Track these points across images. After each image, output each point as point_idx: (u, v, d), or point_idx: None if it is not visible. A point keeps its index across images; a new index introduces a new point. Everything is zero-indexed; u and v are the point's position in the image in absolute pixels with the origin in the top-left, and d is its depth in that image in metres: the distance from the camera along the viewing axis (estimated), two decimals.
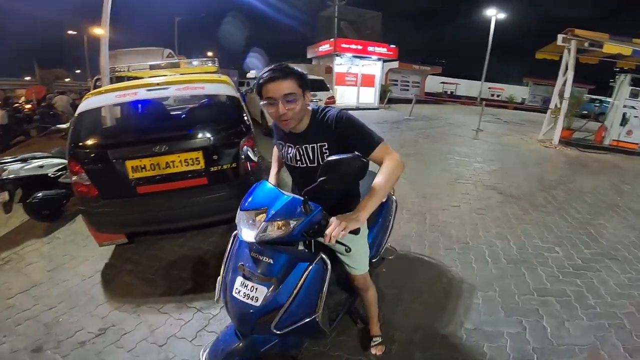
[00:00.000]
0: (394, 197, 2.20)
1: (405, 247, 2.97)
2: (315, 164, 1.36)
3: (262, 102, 1.26)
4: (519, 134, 9.42)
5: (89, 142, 2.53)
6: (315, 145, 1.35)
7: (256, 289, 1.23)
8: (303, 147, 1.38)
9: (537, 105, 18.62)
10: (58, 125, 6.38)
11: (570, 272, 2.63)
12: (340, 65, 13.99)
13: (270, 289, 1.22)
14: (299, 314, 1.27)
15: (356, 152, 1.18)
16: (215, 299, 1.36)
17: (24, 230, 3.49)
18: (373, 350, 1.83)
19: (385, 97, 15.10)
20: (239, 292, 1.25)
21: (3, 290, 2.48)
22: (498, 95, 24.02)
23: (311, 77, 9.03)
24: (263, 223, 1.18)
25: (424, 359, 1.84)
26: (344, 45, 13.46)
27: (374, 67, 14.78)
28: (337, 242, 1.18)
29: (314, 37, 15.60)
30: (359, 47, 13.84)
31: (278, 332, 1.23)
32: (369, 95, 14.82)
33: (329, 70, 13.55)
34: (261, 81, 1.23)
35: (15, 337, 2.05)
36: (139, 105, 3.38)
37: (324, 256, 1.30)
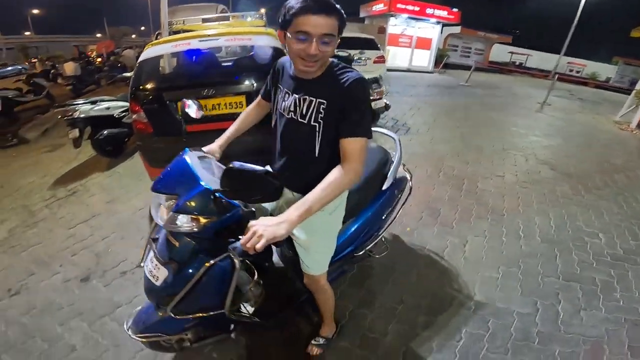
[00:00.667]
0: (409, 182, 2.02)
1: (435, 210, 2.93)
2: (306, 122, 1.16)
3: (288, 35, 1.03)
4: (593, 112, 8.34)
5: (148, 85, 2.78)
6: (314, 99, 1.14)
7: (159, 268, 1.19)
8: (302, 97, 1.16)
9: (624, 86, 16.35)
10: (124, 74, 6.96)
11: (606, 262, 2.42)
12: (395, 26, 13.18)
13: (170, 272, 1.17)
14: (202, 305, 1.24)
15: (269, 170, 1.04)
16: (140, 263, 1.32)
17: (90, 164, 3.99)
18: (309, 348, 1.70)
19: (442, 62, 14.07)
20: (147, 266, 1.24)
21: (67, 220, 2.83)
22: (578, 72, 21.74)
23: (362, 35, 8.65)
24: (171, 213, 1.09)
25: (426, 323, 1.85)
26: (399, 6, 12.56)
27: (431, 30, 13.72)
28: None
29: None
30: (416, 8, 12.82)
31: (177, 317, 1.22)
32: (423, 58, 13.92)
33: (382, 30, 12.82)
34: (298, 10, 0.99)
35: (69, 266, 2.27)
36: (192, 55, 3.59)
37: (232, 255, 1.17)
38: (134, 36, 37.22)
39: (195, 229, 1.09)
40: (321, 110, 1.13)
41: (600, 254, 2.49)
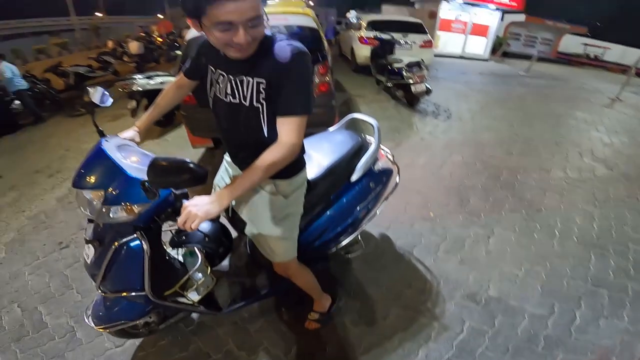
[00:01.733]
0: (395, 177, 1.86)
1: (464, 198, 2.83)
2: (247, 104, 1.06)
3: (205, 25, 0.89)
4: None
5: None
6: (252, 79, 1.03)
7: (89, 247, 1.22)
8: (239, 78, 1.05)
9: None
10: (176, 52, 7.48)
11: None
12: (449, 11, 12.34)
13: (94, 251, 1.20)
14: (123, 285, 1.24)
15: (190, 161, 0.94)
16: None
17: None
18: (307, 323, 1.73)
19: (500, 50, 13.01)
20: (86, 244, 1.25)
21: None
22: None
23: (409, 19, 8.31)
24: (103, 207, 1.08)
25: (429, 310, 1.83)
26: None
27: (489, 17, 12.59)
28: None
29: None
30: None
31: (104, 294, 1.25)
32: (479, 46, 12.93)
33: (433, 15, 12.11)
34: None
35: None
36: None
37: (139, 234, 1.15)
38: None
39: (132, 218, 1.10)
40: (261, 90, 1.03)
41: None
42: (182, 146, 3.71)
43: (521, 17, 14.87)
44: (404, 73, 4.80)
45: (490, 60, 12.62)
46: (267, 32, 1.02)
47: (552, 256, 2.25)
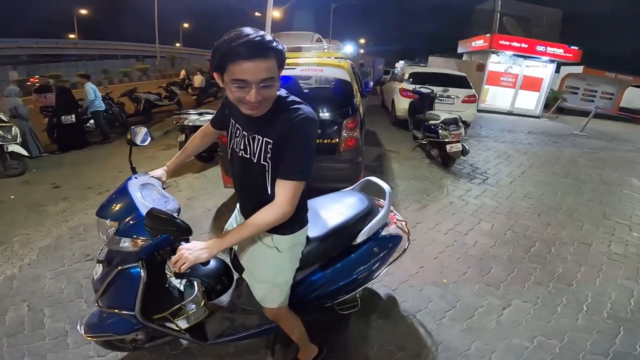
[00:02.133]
0: (405, 243, 1.87)
1: (485, 267, 2.69)
2: (255, 160, 1.15)
3: (226, 81, 0.97)
4: None
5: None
6: (262, 138, 1.11)
7: (99, 266, 1.41)
8: (252, 136, 1.14)
9: None
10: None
11: None
12: (497, 63, 12.12)
13: (100, 270, 1.38)
14: (117, 303, 1.38)
15: (177, 218, 1.17)
16: None
17: (187, 165, 4.73)
18: None
19: (554, 105, 12.40)
20: (97, 263, 1.44)
21: None
22: None
23: (453, 72, 8.31)
24: (114, 237, 1.27)
25: None
26: (502, 42, 11.54)
27: (542, 70, 12.15)
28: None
29: (468, 32, 14.04)
30: (524, 45, 11.55)
31: (100, 307, 1.41)
32: (530, 101, 12.43)
33: (481, 67, 11.98)
34: (228, 57, 0.92)
35: None
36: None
37: (140, 263, 1.30)
38: None
39: (134, 249, 1.27)
40: (268, 150, 1.11)
41: None
42: (217, 183, 3.94)
43: (579, 69, 14.16)
44: (440, 131, 4.67)
45: (543, 117, 12.06)
46: (282, 92, 1.13)
47: (573, 330, 2.09)
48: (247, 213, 1.31)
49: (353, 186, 2.02)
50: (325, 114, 3.05)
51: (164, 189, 1.55)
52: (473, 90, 7.57)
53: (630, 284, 2.60)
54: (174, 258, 1.10)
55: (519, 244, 3.06)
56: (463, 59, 14.19)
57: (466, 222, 3.41)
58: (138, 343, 1.60)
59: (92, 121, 6.62)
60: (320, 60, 3.52)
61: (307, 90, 4.20)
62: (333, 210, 1.70)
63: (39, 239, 2.99)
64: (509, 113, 12.14)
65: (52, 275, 2.47)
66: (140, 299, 1.33)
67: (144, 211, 1.24)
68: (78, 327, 1.49)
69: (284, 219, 1.12)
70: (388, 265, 1.84)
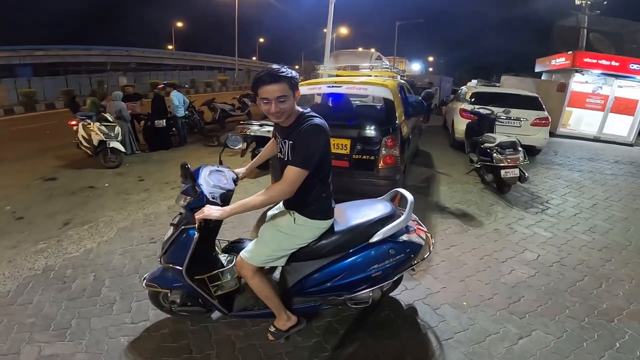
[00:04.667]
0: (424, 253, 1.97)
1: (515, 294, 2.54)
2: (285, 159, 1.59)
3: (258, 100, 1.48)
4: None
5: None
6: (288, 141, 1.56)
7: (170, 228, 1.88)
8: (283, 141, 1.60)
9: None
10: None
11: None
12: (584, 83, 10.73)
13: (170, 231, 1.85)
14: (174, 259, 1.76)
15: (194, 178, 1.68)
16: None
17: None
18: (268, 334, 1.97)
19: None
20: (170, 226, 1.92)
21: None
22: None
23: (522, 92, 7.71)
24: (181, 195, 1.75)
25: None
26: (587, 60, 10.23)
27: (638, 91, 10.47)
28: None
29: (548, 49, 12.76)
30: (614, 63, 10.11)
31: (162, 263, 1.85)
32: (623, 126, 10.65)
33: (562, 87, 10.73)
34: (258, 83, 1.43)
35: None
36: (330, 96, 4.38)
37: (196, 227, 1.63)
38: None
39: (185, 204, 1.73)
40: (290, 149, 1.54)
41: None
42: (267, 185, 4.38)
43: None
44: (495, 154, 4.42)
45: (638, 145, 10.36)
46: (306, 110, 1.59)
47: None
48: (285, 203, 1.78)
49: (383, 196, 2.18)
50: (366, 131, 3.21)
51: (235, 181, 2.01)
52: (545, 112, 6.94)
53: None
54: (197, 214, 1.52)
55: (564, 276, 2.81)
56: (542, 78, 12.99)
57: (508, 249, 3.22)
58: (173, 306, 1.94)
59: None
60: (365, 79, 3.68)
61: (355, 106, 4.42)
62: (358, 212, 1.94)
63: (119, 221, 3.63)
64: (596, 139, 10.61)
65: (121, 252, 2.98)
66: (189, 257, 1.71)
67: (204, 189, 1.71)
68: (142, 280, 1.95)
69: (284, 196, 1.52)
70: (404, 271, 1.96)
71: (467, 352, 2.00)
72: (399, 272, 1.94)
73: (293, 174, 1.46)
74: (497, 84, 10.65)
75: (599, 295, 2.58)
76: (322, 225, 1.72)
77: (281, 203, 1.89)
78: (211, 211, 1.50)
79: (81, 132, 5.85)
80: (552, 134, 9.12)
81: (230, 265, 1.95)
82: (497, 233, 3.58)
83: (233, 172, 2.04)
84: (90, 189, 4.75)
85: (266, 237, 1.74)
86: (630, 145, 10.33)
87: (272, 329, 1.97)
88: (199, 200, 1.67)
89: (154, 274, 1.94)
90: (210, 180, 1.82)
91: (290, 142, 1.54)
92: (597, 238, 3.57)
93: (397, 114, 3.37)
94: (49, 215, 3.81)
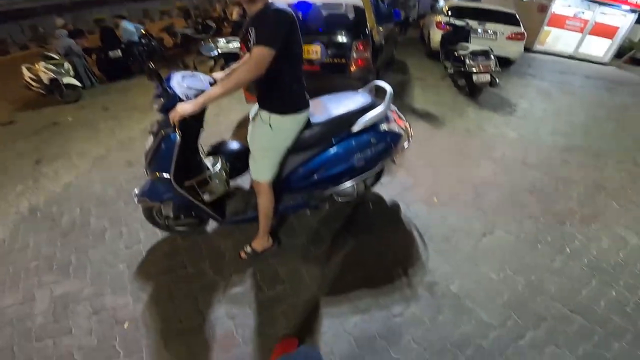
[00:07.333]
0: (404, 142, 1.97)
1: (482, 194, 2.69)
2: (252, 45, 1.47)
3: None
4: None
5: None
6: (252, 28, 1.47)
7: (150, 137, 1.74)
8: (249, 29, 1.50)
9: None
10: None
11: None
12: (566, 7, 10.52)
13: (150, 140, 1.73)
14: (160, 167, 1.70)
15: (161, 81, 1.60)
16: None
17: None
18: (240, 253, 2.03)
19: (626, 54, 10.76)
20: (149, 135, 1.77)
21: None
22: None
23: (500, 9, 7.57)
24: (154, 99, 1.66)
25: (378, 283, 1.92)
26: None
27: (620, 19, 10.35)
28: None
29: None
30: None
31: (149, 174, 1.74)
32: (599, 47, 10.78)
33: (543, 9, 10.50)
34: None
35: None
36: (302, 7, 4.14)
37: (176, 132, 1.61)
38: None
39: (158, 107, 1.64)
40: (255, 34, 1.43)
41: None
42: (240, 100, 4.12)
43: None
44: (467, 61, 4.55)
45: (612, 65, 10.55)
46: (274, 3, 1.46)
47: (545, 271, 2.07)
48: (260, 102, 1.67)
49: (362, 89, 2.14)
50: (337, 37, 3.23)
51: (211, 84, 1.86)
52: (522, 28, 6.90)
53: (628, 235, 2.42)
54: (170, 113, 1.49)
55: (526, 175, 3.00)
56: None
57: (477, 148, 3.39)
58: (168, 221, 1.98)
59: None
60: None
61: (326, 15, 4.18)
62: (339, 103, 1.91)
63: (92, 151, 3.50)
64: (571, 57, 10.75)
65: (101, 181, 2.92)
66: (174, 161, 1.67)
67: (176, 90, 1.62)
68: (134, 197, 1.89)
69: (250, 75, 1.41)
70: (386, 161, 2.02)
71: (436, 249, 2.14)
72: (380, 162, 1.99)
73: (258, 51, 1.39)
74: (479, 0, 10.18)
75: (555, 196, 2.77)
76: (299, 117, 1.68)
77: (255, 107, 1.83)
78: (184, 107, 1.47)
79: (26, 73, 5.52)
80: (528, 50, 9.20)
81: (217, 169, 1.92)
82: (467, 132, 3.73)
83: (209, 76, 1.91)
84: (54, 125, 4.47)
85: (256, 151, 1.73)
86: (604, 64, 10.53)
87: (248, 249, 2.01)
88: (172, 100, 1.59)
89: (143, 188, 1.88)
90: (183, 83, 1.73)
91: (254, 27, 1.45)
92: (559, 140, 3.80)
93: (367, 21, 3.37)
94: (17, 157, 3.61)
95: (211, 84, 1.84)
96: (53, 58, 5.62)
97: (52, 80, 5.32)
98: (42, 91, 5.47)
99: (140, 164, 3.10)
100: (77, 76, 5.73)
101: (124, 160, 3.22)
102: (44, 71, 5.32)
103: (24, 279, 2.06)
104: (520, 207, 2.60)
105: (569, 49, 10.92)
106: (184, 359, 1.60)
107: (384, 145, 1.89)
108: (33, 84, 5.49)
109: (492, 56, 4.52)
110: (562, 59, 10.43)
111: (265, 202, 1.82)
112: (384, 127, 1.90)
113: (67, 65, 5.62)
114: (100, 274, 2.05)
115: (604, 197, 2.83)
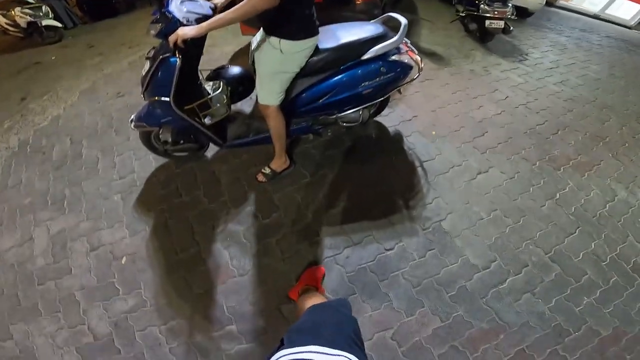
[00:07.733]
0: (414, 74, 1.92)
1: (482, 130, 2.62)
2: None
3: None
4: None
5: None
6: None
7: (147, 62, 1.66)
8: None
9: None
10: None
11: None
12: None
13: (147, 65, 1.65)
14: (158, 92, 1.63)
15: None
16: None
17: None
18: (258, 174, 2.06)
19: None
20: (145, 60, 1.67)
21: None
22: None
23: None
24: (151, 25, 1.53)
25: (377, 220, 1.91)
26: None
27: None
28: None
29: None
30: None
31: (146, 98, 1.66)
32: (628, 10, 10.00)
33: None
34: None
35: None
36: None
37: (178, 53, 1.52)
38: None
39: (157, 31, 1.52)
40: None
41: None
42: (236, 32, 3.87)
43: None
44: (482, 5, 4.21)
45: (638, 30, 9.87)
46: None
47: (533, 216, 2.07)
48: (266, 28, 1.58)
49: (375, 20, 2.04)
50: None
51: (212, 10, 1.73)
52: None
53: (618, 188, 2.39)
54: (171, 36, 1.42)
55: (527, 118, 2.92)
56: None
57: (480, 88, 3.26)
58: (166, 146, 1.92)
59: None
60: None
61: None
62: (349, 32, 1.82)
63: (79, 85, 3.36)
64: (596, 17, 10.02)
65: (90, 112, 2.83)
66: (175, 85, 1.60)
67: (176, 14, 1.51)
68: (129, 124, 1.82)
69: (261, 6, 1.32)
70: (394, 91, 1.99)
71: (431, 182, 2.14)
72: (388, 91, 1.96)
73: None
74: None
75: (553, 141, 2.71)
76: (309, 43, 1.61)
77: (258, 36, 1.71)
78: (185, 30, 1.41)
79: (2, 20, 5.29)
80: (551, 5, 8.52)
81: (218, 92, 1.85)
82: (472, 73, 3.58)
83: (210, 1, 1.76)
84: (36, 64, 4.29)
85: (265, 76, 1.67)
86: (630, 27, 9.87)
87: (267, 170, 2.03)
88: (172, 24, 1.49)
89: (140, 112, 1.81)
90: (182, 7, 1.60)
91: None
92: (565, 90, 3.64)
93: None
94: (2, 96, 3.48)
95: (212, 10, 1.71)
96: (29, 2, 5.38)
97: (30, 23, 5.16)
98: (20, 34, 5.35)
99: (130, 94, 3.00)
100: (57, 18, 5.49)
101: (113, 91, 3.11)
102: (21, 15, 5.15)
103: (20, 217, 2.04)
104: (517, 148, 2.56)
105: (595, 9, 10.11)
106: (181, 293, 1.62)
107: (393, 75, 1.86)
108: (10, 28, 5.36)
109: (509, 4, 4.21)
110: (586, 17, 9.72)
111: (276, 124, 1.83)
112: (394, 57, 1.86)
113: (45, 8, 5.38)
114: (95, 207, 2.03)
115: (602, 149, 2.78)
